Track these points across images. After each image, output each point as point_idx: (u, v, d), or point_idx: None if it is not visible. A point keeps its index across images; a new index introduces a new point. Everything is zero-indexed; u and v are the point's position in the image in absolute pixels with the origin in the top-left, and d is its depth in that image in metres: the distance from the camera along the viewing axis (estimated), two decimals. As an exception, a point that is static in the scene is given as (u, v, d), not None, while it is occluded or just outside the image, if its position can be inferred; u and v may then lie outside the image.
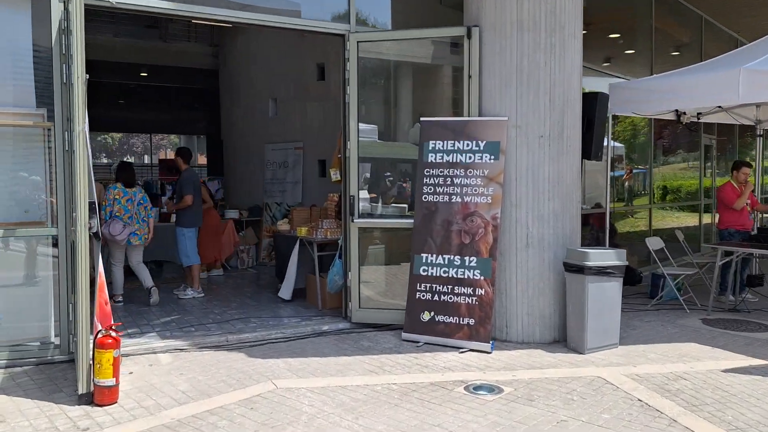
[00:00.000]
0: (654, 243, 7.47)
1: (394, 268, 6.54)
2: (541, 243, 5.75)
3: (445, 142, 5.95)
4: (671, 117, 8.01)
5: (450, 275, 5.74)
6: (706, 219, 12.03)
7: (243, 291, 8.09)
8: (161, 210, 9.59)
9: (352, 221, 6.22)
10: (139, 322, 6.40)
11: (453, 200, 5.83)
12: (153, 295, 7.23)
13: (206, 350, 5.43)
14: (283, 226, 7.67)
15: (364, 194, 6.87)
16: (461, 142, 5.90)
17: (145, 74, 16.49)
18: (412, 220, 5.99)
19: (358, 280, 6.25)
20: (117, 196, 7.08)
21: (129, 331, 5.97)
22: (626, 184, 10.73)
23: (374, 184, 7.71)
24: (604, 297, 5.54)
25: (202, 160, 30.70)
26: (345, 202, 6.29)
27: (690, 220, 11.97)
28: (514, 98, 5.76)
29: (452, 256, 5.75)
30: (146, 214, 7.35)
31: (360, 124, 6.33)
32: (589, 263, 5.42)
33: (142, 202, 7.33)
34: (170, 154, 37.93)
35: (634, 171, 10.79)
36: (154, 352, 5.33)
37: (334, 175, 6.61)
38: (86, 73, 4.35)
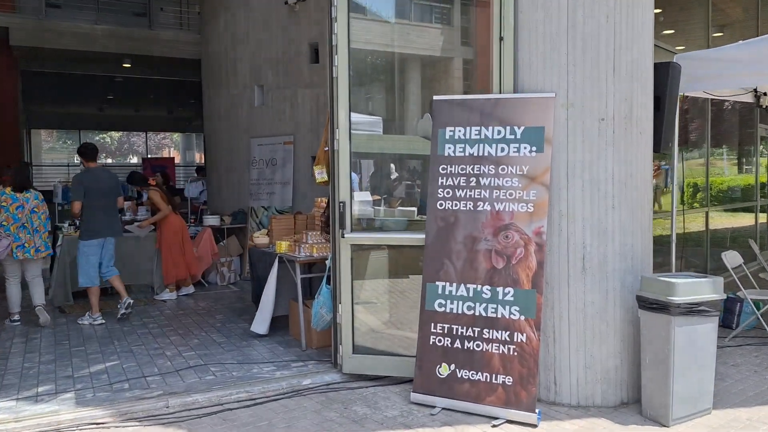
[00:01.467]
0: (732, 259, 5.77)
1: (401, 299, 4.90)
2: (603, 268, 4.08)
3: (468, 128, 4.29)
4: (748, 99, 6.31)
5: (477, 313, 4.08)
6: (761, 219, 10.29)
7: (212, 319, 6.47)
8: (134, 218, 8.05)
9: (342, 236, 4.58)
10: (61, 369, 4.80)
11: (479, 208, 4.17)
12: (40, 315, 6.20)
13: (133, 425, 3.80)
14: (260, 238, 6.04)
15: (364, 196, 5.24)
16: (490, 128, 4.24)
17: (129, 65, 14.97)
18: (423, 236, 4.34)
19: (351, 317, 4.61)
20: (4, 203, 6.09)
21: (40, 389, 4.36)
22: (653, 182, 8.96)
23: (376, 188, 6.07)
24: (696, 345, 3.87)
25: (201, 158, 29.27)
26: (334, 211, 4.65)
27: (739, 221, 10.23)
28: (564, 67, 4.09)
29: (479, 287, 4.09)
30: (41, 223, 6.25)
31: (359, 116, 4.74)
32: (677, 298, 3.75)
33: (36, 209, 6.22)
34: (174, 153, 36.48)
35: (663, 167, 9.02)
36: (58, 430, 3.71)
37: (320, 174, 4.98)
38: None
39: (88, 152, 6.44)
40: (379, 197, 5.89)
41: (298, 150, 8.84)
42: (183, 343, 5.51)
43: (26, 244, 6.11)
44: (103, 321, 6.31)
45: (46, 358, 5.11)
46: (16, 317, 6.30)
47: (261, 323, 5.53)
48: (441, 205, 4.28)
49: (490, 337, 4.01)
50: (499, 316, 4.01)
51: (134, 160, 35.01)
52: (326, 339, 5.15)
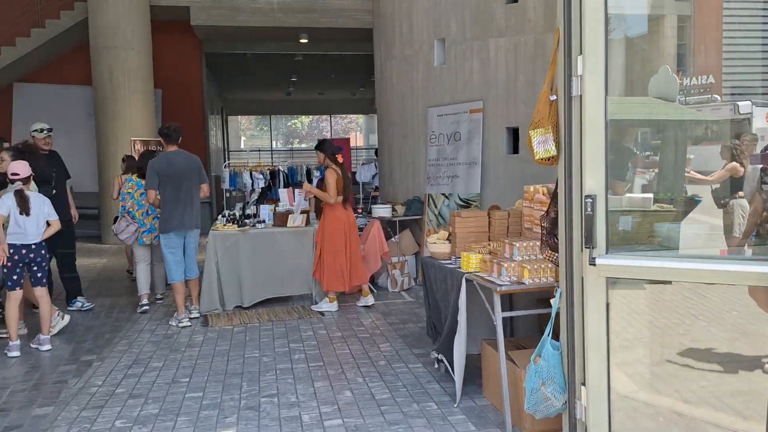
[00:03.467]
0: None
1: (720, 379, 2.59)
2: None
3: None
4: None
5: None
6: None
7: (375, 351, 4.64)
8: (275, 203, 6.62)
9: (592, 261, 2.38)
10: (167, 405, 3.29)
11: None
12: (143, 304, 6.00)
13: None
14: (437, 245, 4.06)
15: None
16: None
17: (306, 40, 13.96)
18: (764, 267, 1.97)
19: (608, 414, 2.42)
20: (130, 190, 6.09)
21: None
22: None
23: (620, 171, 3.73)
24: None
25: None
26: (565, 212, 2.47)
27: None
28: None
29: None
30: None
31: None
32: None
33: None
34: (359, 137, 36.30)
35: None
36: None
37: (541, 144, 2.75)
38: None
39: (171, 133, 5.48)
40: (624, 184, 3.58)
41: (489, 119, 6.69)
42: (329, 398, 3.73)
43: (152, 230, 6.00)
44: (189, 323, 5.45)
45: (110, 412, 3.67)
46: (145, 302, 6.03)
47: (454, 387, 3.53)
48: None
49: None
50: None
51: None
52: (550, 421, 3.02)
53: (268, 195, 8.19)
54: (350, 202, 6.13)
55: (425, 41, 7.33)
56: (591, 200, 2.41)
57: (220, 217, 6.45)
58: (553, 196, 2.87)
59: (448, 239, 4.10)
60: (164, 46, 12.52)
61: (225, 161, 16.74)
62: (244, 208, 7.10)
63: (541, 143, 2.71)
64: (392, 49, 7.92)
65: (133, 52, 11.10)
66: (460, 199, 6.85)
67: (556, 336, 2.81)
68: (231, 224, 6.11)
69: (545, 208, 3.30)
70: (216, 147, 17.71)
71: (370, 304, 5.98)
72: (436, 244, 4.04)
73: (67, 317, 5.27)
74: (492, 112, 6.66)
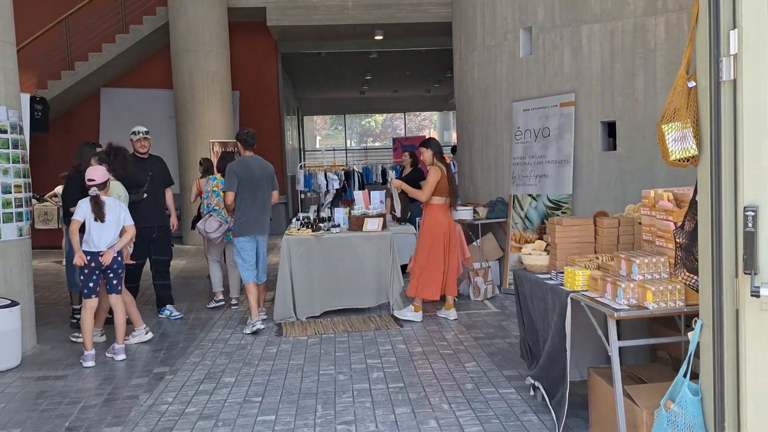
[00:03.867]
0: None
1: None
2: None
3: None
4: None
5: None
6: None
7: (461, 372, 4.19)
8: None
9: (754, 292, 1.85)
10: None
11: None
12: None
13: None
14: (533, 256, 3.56)
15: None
16: None
17: (381, 37, 13.66)
18: None
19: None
20: (215, 188, 6.15)
21: None
22: None
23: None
24: None
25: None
26: (712, 226, 1.94)
27: None
28: None
29: None
30: None
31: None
32: None
33: None
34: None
35: None
36: None
37: (679, 141, 2.22)
38: None
39: (249, 139, 5.46)
40: None
41: (582, 113, 6.08)
42: (412, 428, 3.33)
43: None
44: (263, 326, 5.31)
45: None
46: (220, 297, 6.22)
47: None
48: None
49: None
50: None
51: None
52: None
53: (342, 196, 7.94)
54: (455, 204, 5.72)
55: (510, 31, 6.78)
56: (753, 213, 1.87)
57: (294, 220, 6.22)
58: (691, 204, 2.34)
59: (545, 250, 3.60)
60: (241, 47, 12.57)
61: (300, 161, 16.73)
62: (318, 211, 6.84)
63: (677, 140, 2.18)
64: (473, 40, 7.42)
65: (212, 54, 11.17)
66: (549, 201, 6.28)
67: (694, 377, 2.28)
68: (305, 228, 5.84)
69: (671, 218, 2.75)
70: (292, 147, 17.76)
71: (452, 318, 5.54)
72: (532, 256, 3.56)
73: (149, 335, 5.11)
74: (585, 105, 6.05)
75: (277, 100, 13.93)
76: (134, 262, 5.34)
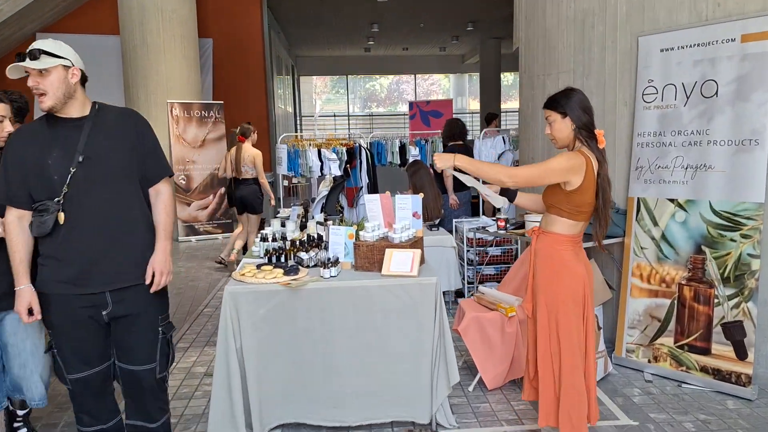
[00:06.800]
0: None
1: None
2: None
3: None
4: None
5: None
6: None
7: None
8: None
9: None
10: None
11: None
12: None
13: None
14: None
15: None
16: None
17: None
18: None
19: None
20: None
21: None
22: None
23: None
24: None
25: (475, 105, 24.36)
26: None
27: None
28: None
29: None
30: None
31: None
32: None
33: None
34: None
35: None
36: None
37: None
38: None
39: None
40: None
41: None
42: None
43: None
44: None
45: None
46: None
47: None
48: None
49: None
50: None
51: (404, 108, 31.39)
52: None
53: (344, 185, 5.22)
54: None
55: None
56: None
57: (255, 245, 3.38)
58: None
59: None
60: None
61: (297, 131, 13.73)
62: (304, 219, 4.02)
63: None
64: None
65: (169, -16, 8.18)
66: (716, 212, 3.44)
67: None
68: (268, 267, 2.99)
69: None
70: (284, 111, 14.79)
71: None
72: None
73: None
74: None
75: (263, 53, 10.95)
76: None
